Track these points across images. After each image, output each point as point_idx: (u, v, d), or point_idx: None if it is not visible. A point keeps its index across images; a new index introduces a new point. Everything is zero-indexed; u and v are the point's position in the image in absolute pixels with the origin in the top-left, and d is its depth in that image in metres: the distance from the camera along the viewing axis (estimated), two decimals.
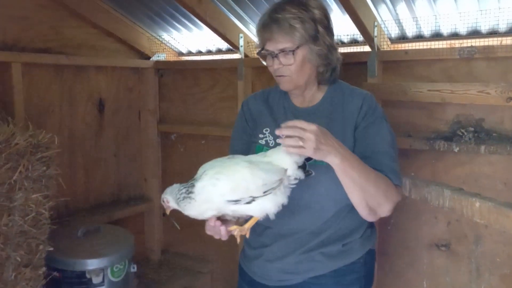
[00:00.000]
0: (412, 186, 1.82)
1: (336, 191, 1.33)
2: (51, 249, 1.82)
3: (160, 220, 3.05)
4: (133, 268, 2.29)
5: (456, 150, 1.86)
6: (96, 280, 2.10)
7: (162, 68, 2.91)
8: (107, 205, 2.75)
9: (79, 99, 2.56)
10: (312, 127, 1.13)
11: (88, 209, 2.64)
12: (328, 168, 1.25)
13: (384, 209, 1.32)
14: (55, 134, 1.76)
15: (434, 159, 2.00)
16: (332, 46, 1.41)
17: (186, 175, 3.08)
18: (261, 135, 1.50)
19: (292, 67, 1.36)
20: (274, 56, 1.37)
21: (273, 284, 1.51)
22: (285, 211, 1.28)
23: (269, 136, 1.49)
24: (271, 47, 1.36)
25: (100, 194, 2.73)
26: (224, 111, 2.68)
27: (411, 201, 2.08)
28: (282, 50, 1.34)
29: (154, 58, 2.89)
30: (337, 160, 1.19)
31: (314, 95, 1.48)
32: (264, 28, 1.36)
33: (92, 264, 2.08)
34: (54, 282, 2.04)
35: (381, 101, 1.96)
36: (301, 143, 1.13)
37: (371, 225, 1.53)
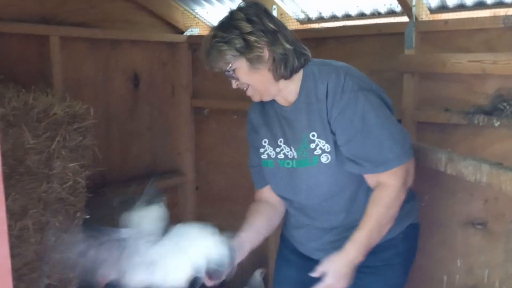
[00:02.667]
0: (448, 161, 1.76)
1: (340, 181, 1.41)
2: (88, 217, 1.89)
3: (193, 193, 3.10)
4: None
5: (496, 124, 1.78)
6: None
7: (196, 43, 2.92)
8: (142, 177, 2.81)
9: (115, 73, 2.60)
10: (333, 286, 1.34)
11: (124, 181, 2.70)
12: (322, 167, 1.39)
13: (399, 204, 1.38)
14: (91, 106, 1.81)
15: (472, 135, 1.92)
16: (272, 41, 1.34)
17: (218, 150, 3.12)
18: (262, 149, 1.54)
19: (245, 83, 1.39)
20: (230, 79, 1.41)
21: (318, 258, 1.51)
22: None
23: (268, 148, 1.52)
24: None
25: (135, 167, 2.80)
26: None
27: (446, 178, 2.02)
28: (225, 73, 1.38)
29: (188, 32, 2.90)
30: (361, 259, 1.35)
31: (291, 91, 1.43)
32: (206, 60, 1.40)
33: (127, 233, 2.14)
34: None
35: (418, 74, 1.89)
36: None
37: (409, 200, 1.49)
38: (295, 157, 1.45)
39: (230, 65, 1.34)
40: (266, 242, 2.63)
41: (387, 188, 1.35)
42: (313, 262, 1.56)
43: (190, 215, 3.09)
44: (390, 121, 1.36)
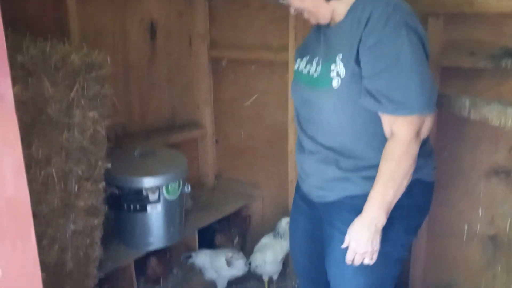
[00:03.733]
0: (471, 105, 1.71)
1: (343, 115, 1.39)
2: (109, 166, 1.92)
3: (213, 146, 3.12)
4: (187, 189, 2.38)
5: None
6: (152, 197, 2.21)
7: None
8: (162, 130, 2.84)
9: (131, 23, 2.57)
10: (356, 250, 1.37)
11: (144, 134, 2.73)
12: (330, 92, 1.37)
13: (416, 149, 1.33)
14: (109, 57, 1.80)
15: (499, 80, 1.85)
16: None
17: (237, 103, 3.09)
18: (296, 63, 1.61)
19: (299, 7, 1.44)
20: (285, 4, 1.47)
21: (315, 200, 1.56)
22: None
23: (301, 63, 1.56)
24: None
25: (155, 119, 2.82)
26: (275, 34, 2.60)
27: (470, 126, 1.97)
28: (279, 0, 1.46)
29: None
30: (382, 220, 1.34)
31: (340, 13, 1.40)
32: None
33: (148, 182, 2.18)
34: (115, 197, 2.19)
35: (444, 16, 1.81)
36: (366, 260, 1.38)
37: (421, 154, 1.39)
38: (314, 76, 1.45)
39: None
40: (288, 195, 2.68)
41: (398, 140, 1.29)
42: (317, 212, 1.59)
43: (210, 168, 3.12)
44: (424, 68, 1.27)
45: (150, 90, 2.75)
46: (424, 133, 1.38)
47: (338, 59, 1.34)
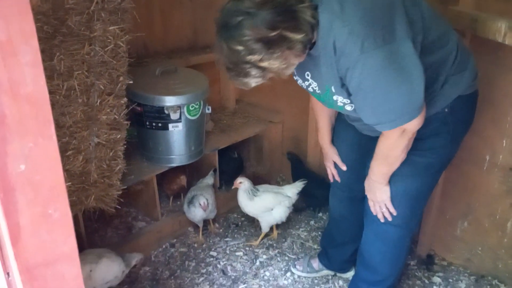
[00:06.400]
0: (507, 29, 1.62)
1: None
2: (131, 82, 1.93)
3: None
4: (208, 110, 2.40)
5: None
6: (174, 116, 2.24)
7: None
8: (183, 50, 2.80)
9: None
10: (373, 199, 1.71)
11: (166, 53, 2.71)
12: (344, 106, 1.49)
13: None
14: None
15: None
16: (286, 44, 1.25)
17: None
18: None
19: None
20: None
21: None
22: None
23: (298, 79, 1.59)
24: None
25: (177, 39, 2.77)
26: None
27: (504, 54, 1.87)
28: None
29: None
30: (381, 182, 1.64)
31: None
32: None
33: (169, 100, 2.20)
34: (137, 115, 2.22)
35: None
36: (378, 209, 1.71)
37: (459, 71, 1.48)
38: (319, 92, 1.52)
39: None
40: (309, 121, 2.65)
41: (386, 138, 1.47)
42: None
43: (231, 92, 3.10)
44: (389, 85, 1.29)
45: (172, 8, 2.68)
46: (415, 128, 1.42)
47: (332, 90, 1.43)
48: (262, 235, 2.52)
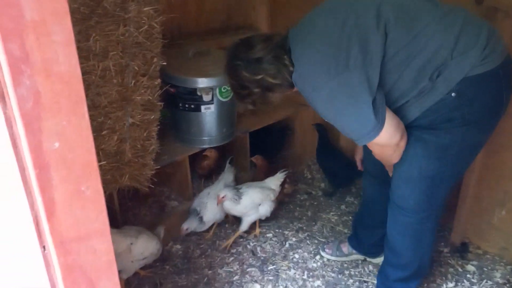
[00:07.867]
0: None
1: None
2: (164, 63, 1.95)
3: None
4: None
5: None
6: (206, 98, 2.25)
7: None
8: (216, 31, 2.80)
9: None
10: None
11: (199, 34, 2.71)
12: None
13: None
14: None
15: None
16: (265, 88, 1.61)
17: (294, 4, 2.94)
18: None
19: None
20: None
21: None
22: None
23: None
24: None
25: (210, 20, 2.77)
26: None
27: None
28: None
29: None
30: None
31: None
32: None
33: (202, 82, 2.21)
34: (170, 96, 2.25)
35: None
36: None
37: (456, 55, 1.42)
38: None
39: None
40: None
41: (371, 147, 1.60)
42: None
43: None
44: (339, 113, 1.49)
45: None
46: (384, 139, 1.51)
47: None
48: (237, 234, 2.40)
